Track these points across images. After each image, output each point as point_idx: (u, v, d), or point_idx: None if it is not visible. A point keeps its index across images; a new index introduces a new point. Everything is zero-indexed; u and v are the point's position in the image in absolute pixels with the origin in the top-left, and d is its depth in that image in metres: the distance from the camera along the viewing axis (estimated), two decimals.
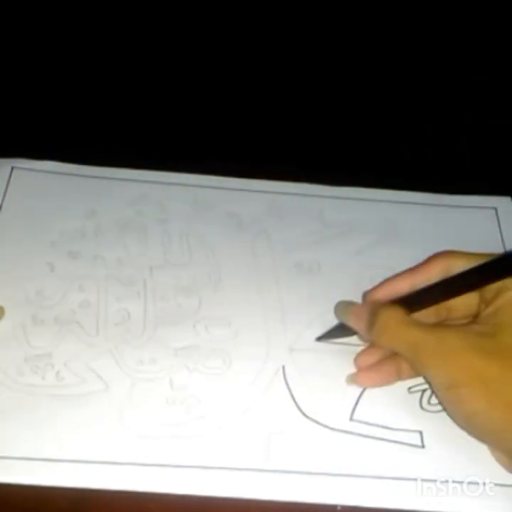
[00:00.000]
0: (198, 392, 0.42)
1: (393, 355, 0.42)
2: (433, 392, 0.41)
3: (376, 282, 0.47)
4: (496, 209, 0.52)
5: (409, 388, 0.43)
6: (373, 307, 0.42)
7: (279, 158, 0.55)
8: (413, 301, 0.41)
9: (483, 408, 0.37)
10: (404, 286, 0.42)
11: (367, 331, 0.41)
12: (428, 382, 0.41)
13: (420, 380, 0.43)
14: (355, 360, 0.43)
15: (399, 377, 0.42)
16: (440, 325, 0.42)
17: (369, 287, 0.47)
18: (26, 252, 0.47)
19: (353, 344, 0.44)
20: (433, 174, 0.55)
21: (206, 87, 0.60)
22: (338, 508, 0.38)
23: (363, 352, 0.43)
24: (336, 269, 0.48)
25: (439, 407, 0.42)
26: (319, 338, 0.44)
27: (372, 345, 0.43)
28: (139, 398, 0.41)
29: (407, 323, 0.40)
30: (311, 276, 0.48)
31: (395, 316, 0.40)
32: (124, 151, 0.54)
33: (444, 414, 0.41)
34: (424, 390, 0.43)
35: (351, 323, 0.43)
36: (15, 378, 0.41)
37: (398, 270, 0.47)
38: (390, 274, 0.47)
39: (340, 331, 0.44)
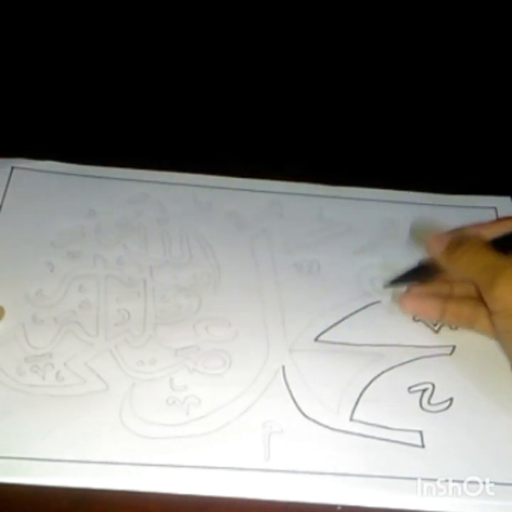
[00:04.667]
0: (198, 392, 0.42)
1: (444, 296, 0.43)
2: (491, 321, 0.41)
3: (376, 282, 0.47)
4: (495, 209, 0.52)
5: (409, 388, 0.43)
6: (459, 233, 0.43)
7: (278, 158, 0.55)
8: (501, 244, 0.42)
9: None
10: (488, 233, 0.43)
11: (448, 254, 0.42)
12: (490, 310, 0.40)
13: (420, 379, 0.43)
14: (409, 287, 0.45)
15: (441, 317, 0.44)
16: None
17: (369, 287, 0.47)
18: (26, 252, 0.47)
19: (353, 344, 0.44)
20: (433, 174, 0.55)
21: (206, 87, 0.60)
22: (338, 508, 0.38)
23: (406, 297, 0.45)
24: (336, 269, 0.48)
25: (439, 407, 0.42)
26: (389, 284, 0.46)
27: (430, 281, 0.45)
28: (139, 398, 0.41)
29: (487, 247, 0.41)
30: (311, 276, 0.48)
31: (477, 242, 0.42)
32: (124, 151, 0.54)
33: (444, 414, 0.42)
34: (424, 390, 0.43)
35: (430, 247, 0.44)
36: (15, 378, 0.41)
37: (398, 270, 0.47)
38: (390, 274, 0.47)
39: (410, 276, 0.46)
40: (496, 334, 0.42)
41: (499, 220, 0.45)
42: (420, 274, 0.45)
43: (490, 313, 0.41)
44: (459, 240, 0.43)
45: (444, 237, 0.44)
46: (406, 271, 0.46)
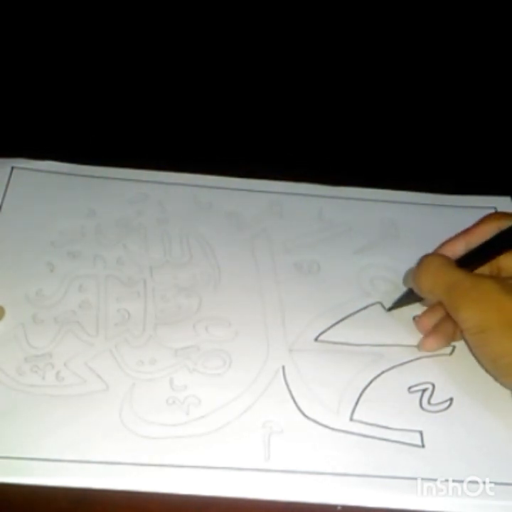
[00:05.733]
0: (198, 392, 0.42)
1: (448, 317, 0.43)
2: (463, 337, 0.42)
3: (376, 282, 0.47)
4: (495, 209, 0.52)
5: (409, 388, 0.43)
6: (421, 258, 0.44)
7: (278, 159, 0.55)
8: (468, 260, 0.43)
9: (510, 350, 0.38)
10: (461, 247, 0.44)
11: (412, 278, 0.43)
12: (460, 327, 0.41)
13: (420, 379, 0.43)
14: (417, 323, 0.45)
15: (453, 338, 0.44)
16: (479, 273, 0.43)
17: (369, 287, 0.47)
18: (26, 252, 0.47)
19: (353, 344, 0.44)
20: (433, 174, 0.55)
21: (206, 88, 0.60)
22: (338, 508, 0.38)
23: (422, 315, 0.45)
24: (336, 269, 0.48)
25: (439, 407, 0.42)
26: (390, 309, 0.46)
27: (430, 307, 0.45)
28: (139, 398, 0.41)
29: (447, 266, 0.42)
30: (311, 276, 0.48)
31: (436, 260, 0.42)
32: (124, 151, 0.54)
33: (444, 414, 0.42)
34: (424, 390, 0.43)
35: (408, 282, 0.45)
36: (15, 378, 0.41)
37: (398, 270, 0.47)
38: (390, 274, 0.48)
39: (407, 298, 0.45)
40: (469, 349, 0.42)
41: (481, 221, 0.44)
42: (416, 296, 0.45)
43: (461, 330, 0.42)
44: (420, 261, 0.43)
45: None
46: (404, 293, 0.46)
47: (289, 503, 0.38)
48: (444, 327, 0.44)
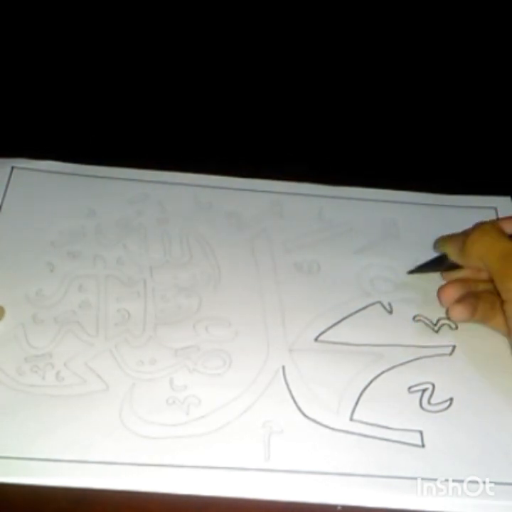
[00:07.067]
0: (198, 392, 0.42)
1: (471, 293, 0.44)
2: (502, 307, 0.42)
3: (376, 282, 0.47)
4: (495, 209, 0.52)
5: (409, 388, 0.43)
6: (476, 224, 0.44)
7: (279, 158, 0.55)
8: None
9: None
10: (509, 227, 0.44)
11: (460, 247, 0.43)
12: (502, 297, 0.41)
13: (420, 379, 0.43)
14: (441, 293, 0.45)
15: (474, 314, 0.44)
16: None
17: (369, 287, 0.47)
18: (26, 252, 0.47)
19: (353, 344, 0.44)
20: (433, 174, 0.55)
21: (207, 88, 0.60)
22: (338, 508, 0.38)
23: (447, 286, 0.45)
24: (336, 269, 0.48)
25: (439, 407, 0.42)
26: (411, 272, 0.46)
27: (455, 280, 0.45)
28: (139, 398, 0.41)
29: (503, 236, 0.42)
30: (311, 276, 0.48)
31: (494, 229, 0.43)
32: (125, 150, 0.54)
33: (444, 414, 0.42)
34: (424, 390, 0.43)
35: (447, 247, 0.45)
36: (15, 378, 0.41)
37: (398, 270, 0.47)
38: (390, 274, 0.47)
39: (434, 264, 0.46)
40: (507, 321, 0.42)
41: None
42: (443, 264, 0.45)
43: (502, 302, 0.41)
44: (474, 226, 0.43)
45: (457, 237, 0.45)
46: (434, 258, 0.46)
47: (289, 503, 0.38)
48: (468, 301, 0.44)
